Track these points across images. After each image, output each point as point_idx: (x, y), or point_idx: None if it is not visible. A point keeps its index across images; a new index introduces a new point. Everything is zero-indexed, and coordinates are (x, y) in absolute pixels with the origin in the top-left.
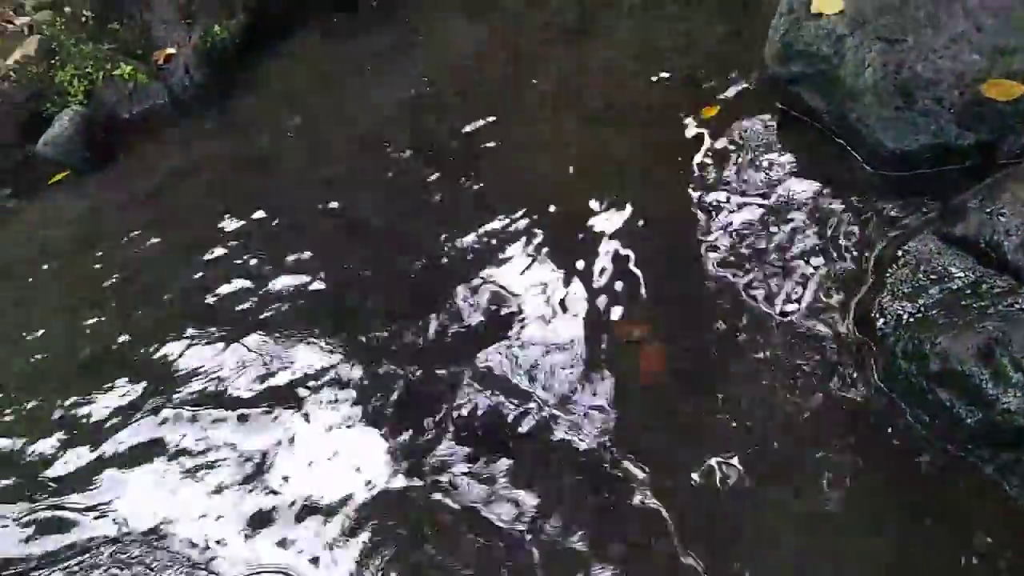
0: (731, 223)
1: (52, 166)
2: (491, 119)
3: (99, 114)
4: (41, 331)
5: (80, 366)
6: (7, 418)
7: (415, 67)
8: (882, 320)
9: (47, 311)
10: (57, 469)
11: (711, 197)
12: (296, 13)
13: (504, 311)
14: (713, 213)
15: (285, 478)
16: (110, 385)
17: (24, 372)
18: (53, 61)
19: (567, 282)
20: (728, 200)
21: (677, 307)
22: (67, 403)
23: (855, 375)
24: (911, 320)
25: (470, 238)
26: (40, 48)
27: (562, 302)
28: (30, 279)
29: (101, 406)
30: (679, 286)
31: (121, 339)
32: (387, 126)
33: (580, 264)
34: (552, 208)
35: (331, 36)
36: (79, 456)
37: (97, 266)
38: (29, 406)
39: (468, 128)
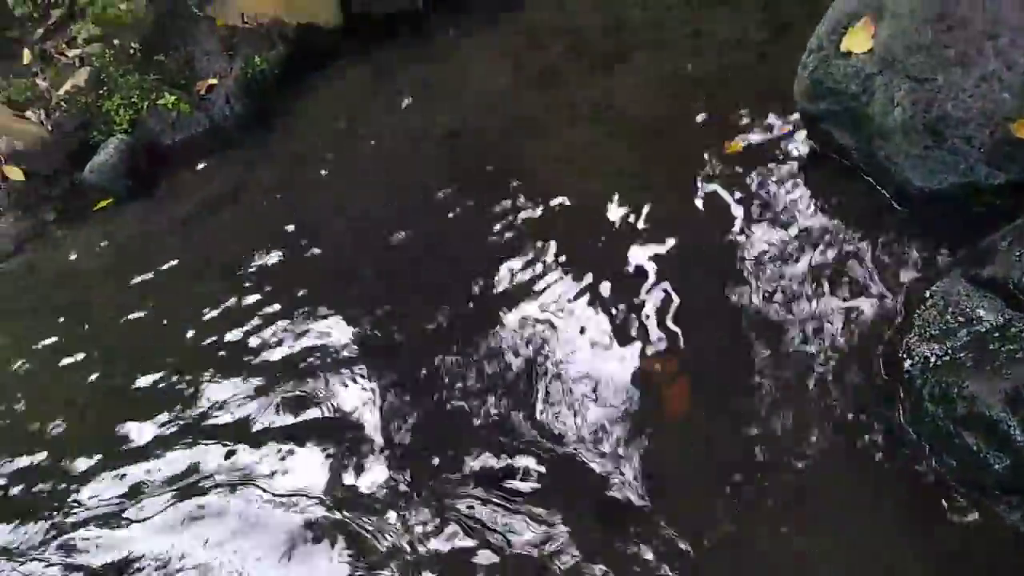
0: (758, 257)
1: (97, 193)
2: (524, 150)
3: (142, 142)
4: (81, 355)
5: (109, 392)
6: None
7: (451, 98)
8: (909, 361)
9: (87, 335)
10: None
11: (739, 230)
12: (333, 46)
13: (532, 343)
14: (740, 246)
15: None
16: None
17: (59, 393)
18: (101, 91)
19: (595, 314)
20: (756, 234)
21: (704, 342)
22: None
23: (882, 416)
24: (939, 362)
25: (502, 270)
26: (90, 79)
27: (590, 334)
28: (71, 303)
29: (123, 437)
30: (705, 320)
31: (146, 371)
32: (423, 156)
33: (608, 296)
34: (581, 238)
35: (367, 68)
36: (110, 479)
37: (131, 294)
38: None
39: (501, 158)
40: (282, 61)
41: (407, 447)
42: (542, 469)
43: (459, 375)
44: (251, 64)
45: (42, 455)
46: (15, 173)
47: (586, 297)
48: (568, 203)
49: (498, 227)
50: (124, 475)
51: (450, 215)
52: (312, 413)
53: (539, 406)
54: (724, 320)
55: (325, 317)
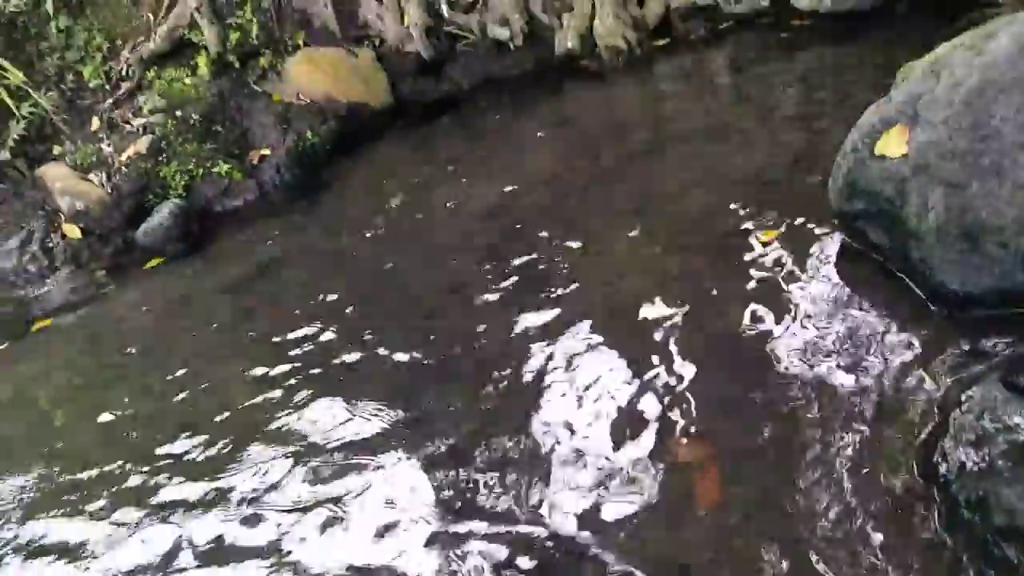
0: (789, 351)
1: (148, 253)
2: (562, 231)
3: (195, 207)
4: (120, 413)
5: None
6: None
7: (492, 177)
8: (945, 466)
9: (129, 394)
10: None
11: (770, 323)
12: (382, 124)
13: (558, 424)
14: (773, 340)
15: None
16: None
17: (96, 455)
18: (160, 158)
19: (624, 397)
20: (787, 328)
21: (734, 436)
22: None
23: (916, 521)
24: (975, 469)
25: (536, 347)
26: (151, 146)
27: (618, 416)
28: (116, 361)
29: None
30: (735, 414)
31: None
32: (463, 232)
33: (637, 378)
34: (612, 325)
35: (412, 147)
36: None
37: (173, 355)
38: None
39: (536, 241)
40: (332, 136)
41: (423, 517)
42: (566, 552)
43: (481, 458)
44: (303, 137)
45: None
46: (73, 231)
47: (614, 384)
48: (601, 289)
49: (530, 311)
50: (147, 539)
51: (486, 286)
52: (339, 489)
53: (559, 493)
54: (754, 414)
55: (357, 396)
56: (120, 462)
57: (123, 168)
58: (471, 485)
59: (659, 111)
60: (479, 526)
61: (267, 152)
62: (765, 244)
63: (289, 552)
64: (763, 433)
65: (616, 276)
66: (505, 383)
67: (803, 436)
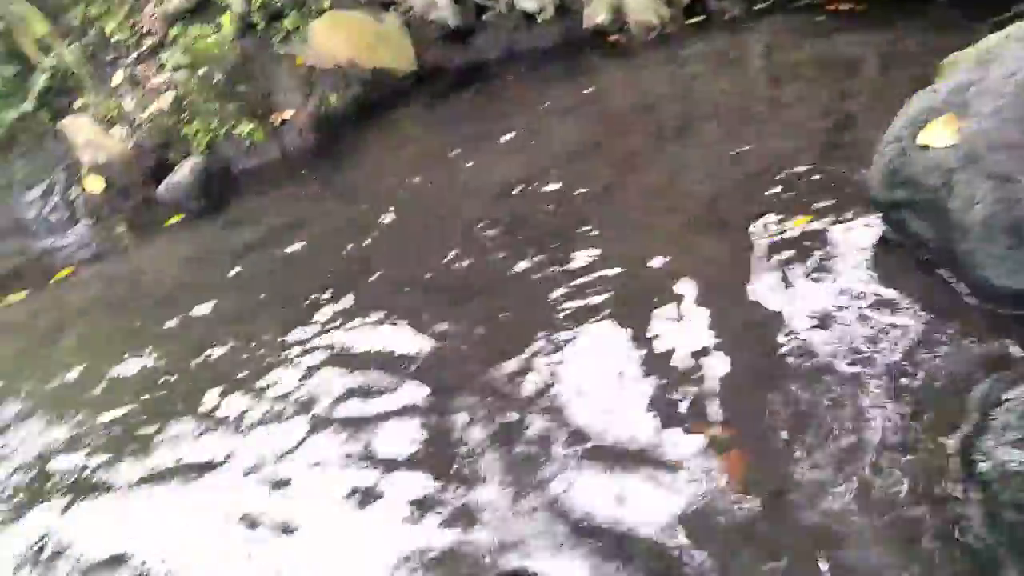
0: (821, 341)
1: (169, 209)
2: (584, 208)
3: (216, 166)
4: (136, 362)
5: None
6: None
7: (515, 150)
8: (985, 465)
9: (146, 343)
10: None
11: (800, 311)
12: (405, 91)
13: (576, 403)
14: (802, 329)
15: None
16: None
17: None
18: (182, 116)
19: (645, 378)
20: (819, 317)
21: (758, 421)
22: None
23: (955, 521)
24: (1019, 469)
25: (555, 320)
26: (173, 104)
27: (638, 398)
28: (133, 312)
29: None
30: (762, 399)
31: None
32: (484, 203)
33: (661, 361)
34: (633, 307)
35: (435, 114)
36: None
37: (187, 310)
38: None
39: (561, 213)
40: (355, 101)
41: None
42: (592, 525)
43: (499, 424)
44: (325, 101)
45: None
46: (96, 184)
47: (634, 356)
48: (624, 268)
49: (549, 285)
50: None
51: (503, 257)
52: (347, 449)
53: (578, 472)
54: (781, 399)
55: (367, 357)
56: (131, 404)
57: (145, 124)
58: (474, 458)
59: (689, 90)
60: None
61: (289, 115)
62: (797, 230)
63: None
64: (791, 425)
65: (640, 256)
66: (522, 356)
67: (834, 430)
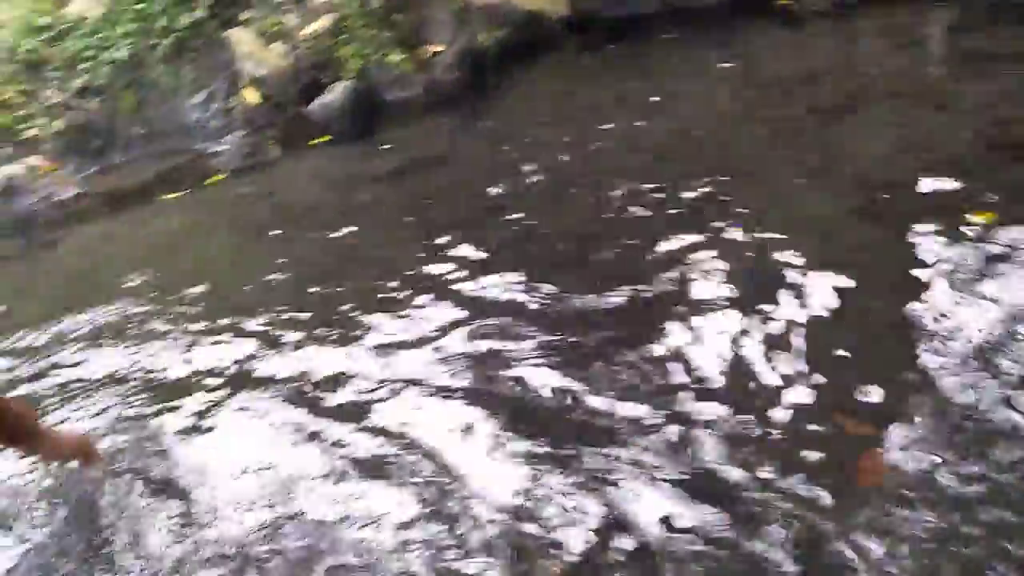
0: (981, 348)
1: (316, 129)
2: (733, 179)
3: (365, 92)
4: (279, 274)
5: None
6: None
7: (664, 111)
8: None
9: (286, 256)
10: None
11: (961, 314)
12: (555, 37)
13: (703, 380)
14: (959, 331)
15: None
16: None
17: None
18: (339, 38)
19: (782, 361)
20: (983, 323)
21: (902, 419)
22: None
23: None
24: None
25: (689, 297)
26: (332, 25)
27: (770, 380)
28: (275, 218)
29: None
30: (907, 398)
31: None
32: (627, 161)
33: (802, 346)
34: (776, 280)
35: (586, 64)
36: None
37: (331, 228)
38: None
39: (707, 181)
40: (506, 42)
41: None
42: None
43: (612, 382)
44: (477, 39)
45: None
46: (253, 96)
47: (771, 339)
48: (767, 246)
49: (686, 252)
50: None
51: (640, 228)
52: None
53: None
54: (930, 403)
55: (495, 303)
56: (268, 312)
57: (304, 43)
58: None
59: (860, 66)
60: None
61: (440, 49)
62: (976, 226)
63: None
64: (933, 426)
65: (787, 236)
66: (652, 317)
67: (977, 434)
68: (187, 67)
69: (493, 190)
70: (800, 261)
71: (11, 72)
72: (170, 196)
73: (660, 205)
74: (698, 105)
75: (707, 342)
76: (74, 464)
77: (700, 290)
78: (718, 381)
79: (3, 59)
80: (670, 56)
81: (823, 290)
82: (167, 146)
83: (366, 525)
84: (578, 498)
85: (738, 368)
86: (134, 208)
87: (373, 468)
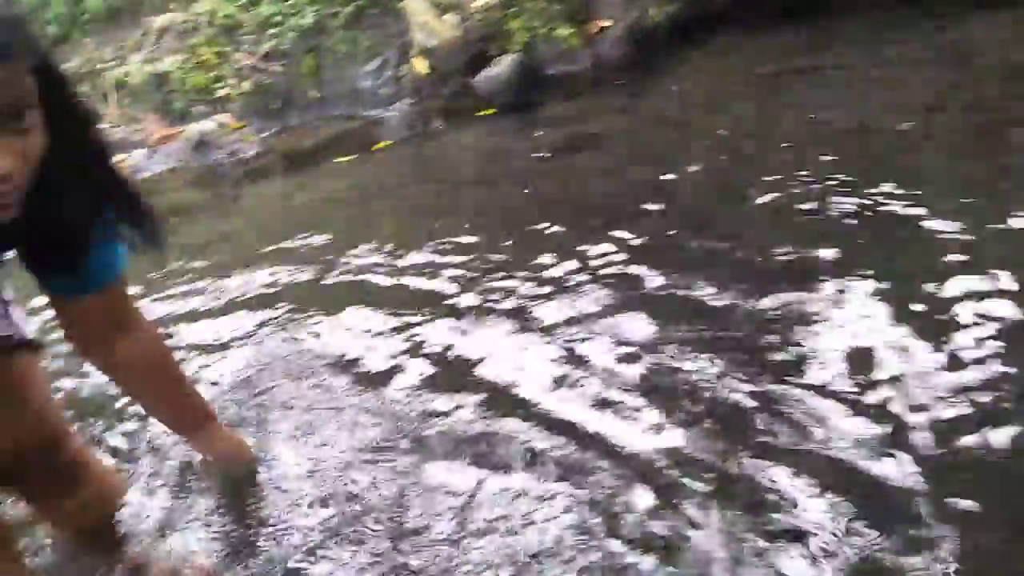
0: None
1: (481, 101)
2: (927, 177)
3: (530, 66)
4: (441, 225)
5: None
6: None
7: (841, 101)
8: None
9: (448, 212)
10: None
11: None
12: (724, 14)
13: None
14: None
15: None
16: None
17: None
18: (509, 11)
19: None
20: None
21: None
22: None
23: None
24: None
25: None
26: None
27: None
28: (436, 186)
29: None
30: None
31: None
32: (796, 156)
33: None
34: (927, 292)
35: (762, 43)
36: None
37: (483, 200)
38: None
39: (889, 181)
40: (674, 17)
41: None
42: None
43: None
44: (646, 15)
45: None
46: (422, 66)
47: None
48: (950, 259)
49: (854, 271)
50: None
51: (811, 248)
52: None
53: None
54: None
55: (652, 296)
56: (430, 272)
57: (475, 15)
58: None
59: None
60: None
61: (608, 24)
62: None
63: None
64: None
65: (985, 252)
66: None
67: None
68: (363, 35)
69: (652, 174)
70: (986, 274)
71: (211, 35)
72: (341, 160)
73: (834, 210)
74: (888, 89)
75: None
76: None
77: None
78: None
79: (205, 23)
80: (862, 36)
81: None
82: (339, 111)
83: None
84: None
85: (875, 381)
86: (308, 168)
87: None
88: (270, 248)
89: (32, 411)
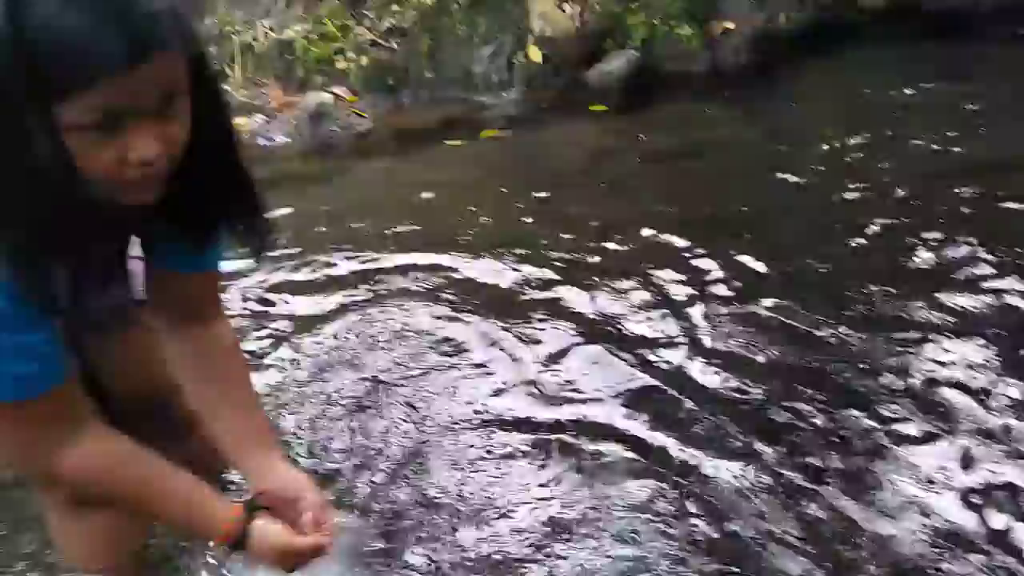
0: None
1: (593, 96)
2: None
3: (647, 64)
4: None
5: None
6: None
7: (986, 128)
8: None
9: (548, 202)
10: None
11: None
12: (857, 27)
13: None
14: None
15: None
16: None
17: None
18: (630, 5)
19: None
20: None
21: None
22: None
23: None
24: None
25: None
26: None
27: None
28: (540, 176)
29: None
30: None
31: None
32: (911, 187)
33: None
34: None
35: (887, 62)
36: None
37: (588, 196)
38: None
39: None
40: (805, 25)
41: None
42: None
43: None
44: (774, 19)
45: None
46: (536, 55)
47: None
48: None
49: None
50: None
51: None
52: None
53: None
54: None
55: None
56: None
57: (596, 6)
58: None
59: None
60: None
61: (731, 26)
62: None
63: None
64: None
65: None
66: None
67: None
68: (483, 19)
69: (759, 191)
70: None
71: (336, 7)
72: (451, 143)
73: (948, 258)
74: None
75: None
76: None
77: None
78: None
79: None
80: (1006, 58)
81: None
82: (450, 93)
83: None
84: None
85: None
86: (417, 148)
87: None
88: (369, 226)
89: (158, 361)
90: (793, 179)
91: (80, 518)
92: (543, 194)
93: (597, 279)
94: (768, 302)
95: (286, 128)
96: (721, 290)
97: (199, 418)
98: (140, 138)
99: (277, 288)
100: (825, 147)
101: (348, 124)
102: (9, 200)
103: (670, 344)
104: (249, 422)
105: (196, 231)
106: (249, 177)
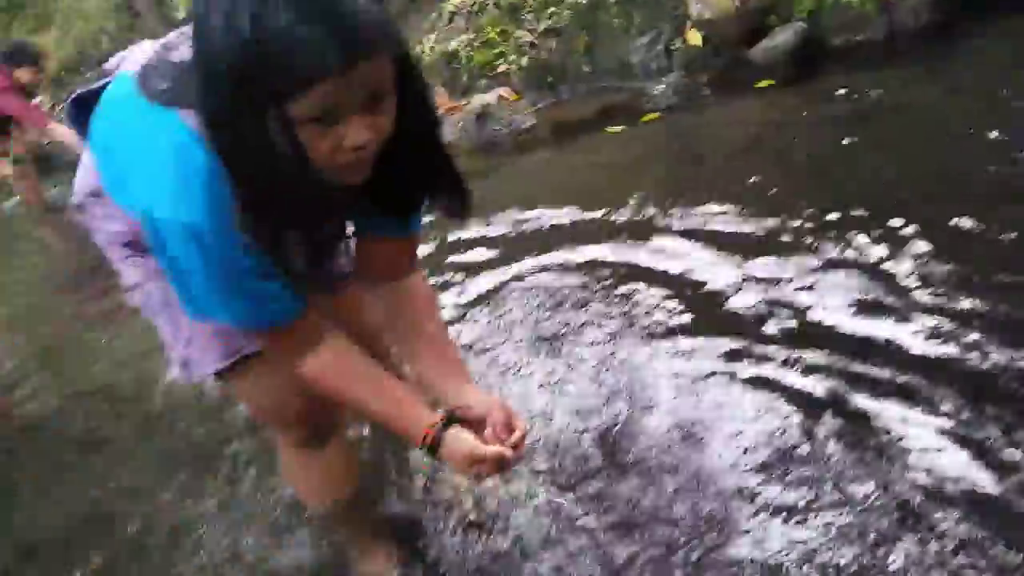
0: None
1: (757, 73)
2: None
3: (814, 35)
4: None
5: None
6: None
7: None
8: None
9: (707, 184)
10: None
11: None
12: None
13: None
14: None
15: None
16: None
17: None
18: None
19: None
20: None
21: None
22: None
23: None
24: None
25: None
26: None
27: None
28: (699, 161)
29: None
30: None
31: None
32: None
33: None
34: None
35: None
36: None
37: (744, 176)
38: None
39: None
40: None
41: None
42: None
43: None
44: None
45: None
46: (695, 38)
47: None
48: None
49: None
50: None
51: None
52: None
53: None
54: None
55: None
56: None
57: None
58: None
59: None
60: None
61: None
62: None
63: None
64: None
65: None
66: None
67: None
68: (637, 11)
69: (940, 162)
70: None
71: (496, 15)
72: (612, 130)
73: None
74: None
75: None
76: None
77: None
78: None
79: (491, 4)
80: None
81: None
82: (607, 84)
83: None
84: None
85: None
86: (577, 138)
87: None
88: (528, 216)
89: (363, 315)
90: (975, 151)
91: (307, 459)
92: (703, 173)
93: (753, 258)
94: (967, 261)
95: (453, 130)
96: (922, 248)
97: (392, 364)
98: (353, 127)
99: (450, 267)
100: (1016, 104)
101: (511, 122)
102: (256, 185)
103: (879, 307)
104: (444, 357)
105: (400, 205)
106: (448, 156)
